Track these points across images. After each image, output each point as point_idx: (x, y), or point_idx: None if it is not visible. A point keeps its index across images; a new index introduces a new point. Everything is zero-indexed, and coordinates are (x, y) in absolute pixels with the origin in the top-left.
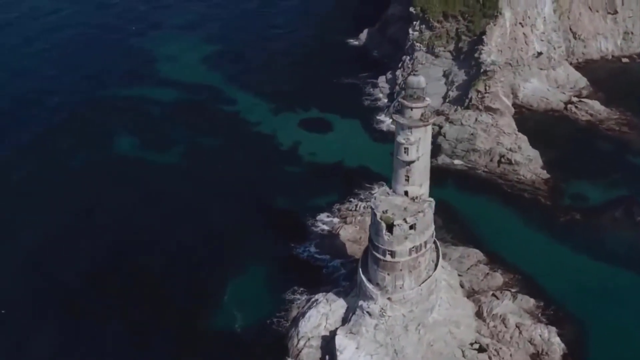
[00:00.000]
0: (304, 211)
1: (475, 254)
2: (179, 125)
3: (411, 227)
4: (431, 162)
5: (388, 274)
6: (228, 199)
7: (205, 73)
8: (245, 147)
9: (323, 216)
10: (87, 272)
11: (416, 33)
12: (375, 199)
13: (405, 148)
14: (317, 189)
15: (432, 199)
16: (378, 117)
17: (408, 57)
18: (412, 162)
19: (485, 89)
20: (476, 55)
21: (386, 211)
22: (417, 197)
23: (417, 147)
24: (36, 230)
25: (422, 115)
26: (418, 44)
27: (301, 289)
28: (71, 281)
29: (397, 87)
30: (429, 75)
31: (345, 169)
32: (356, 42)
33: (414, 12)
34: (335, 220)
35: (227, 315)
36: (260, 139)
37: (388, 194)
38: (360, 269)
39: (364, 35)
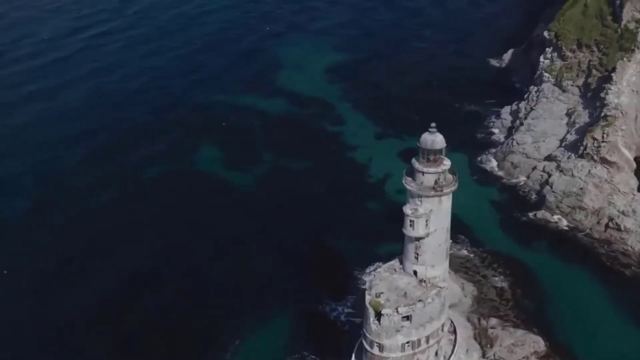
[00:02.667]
0: (357, 259)
1: (534, 343)
2: (273, 142)
3: (406, 318)
4: (528, 216)
5: None
6: (284, 230)
7: (322, 86)
8: (331, 174)
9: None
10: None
11: (547, 61)
12: (373, 276)
13: (410, 221)
14: (384, 233)
15: (445, 285)
16: (485, 155)
17: (535, 88)
18: (421, 238)
19: (603, 136)
20: (602, 94)
21: (380, 294)
22: (427, 281)
23: (427, 221)
24: (86, 233)
25: (436, 182)
26: (547, 74)
27: (311, 356)
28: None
29: (518, 122)
30: (551, 111)
31: None
32: (498, 63)
33: (548, 37)
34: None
35: None
36: (351, 166)
37: (395, 270)
38: (354, 356)
39: (507, 55)
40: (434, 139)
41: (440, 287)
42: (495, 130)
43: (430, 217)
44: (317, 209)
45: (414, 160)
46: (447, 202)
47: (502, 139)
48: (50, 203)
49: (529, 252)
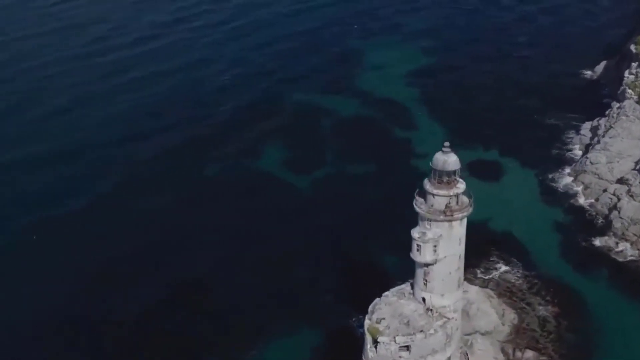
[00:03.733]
0: (400, 274)
1: None
2: (341, 144)
3: (406, 348)
4: (590, 241)
5: None
6: (332, 238)
7: (401, 89)
8: (391, 182)
9: None
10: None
11: (631, 77)
12: (379, 299)
13: (417, 245)
14: None
15: (454, 317)
16: (557, 173)
17: (617, 105)
18: (429, 264)
19: None
20: None
21: (381, 320)
22: (434, 310)
23: (436, 246)
24: (141, 231)
25: (447, 206)
26: (630, 91)
27: None
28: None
29: (595, 140)
30: (629, 131)
31: (482, 231)
32: (589, 75)
33: (634, 50)
34: None
35: None
36: (412, 175)
37: (404, 295)
38: None
39: (600, 67)
40: (446, 160)
41: (448, 318)
42: (573, 147)
43: (439, 243)
44: (370, 217)
45: (425, 181)
46: (459, 228)
47: (578, 157)
48: (113, 199)
49: (584, 281)
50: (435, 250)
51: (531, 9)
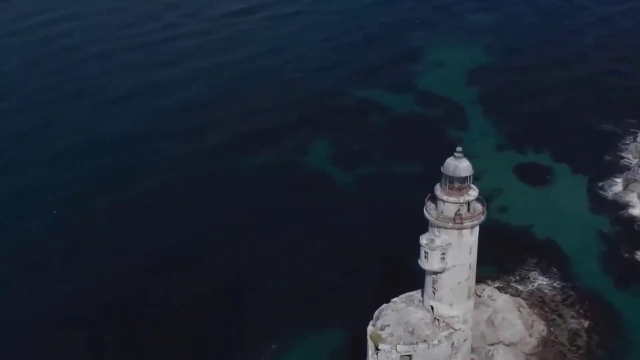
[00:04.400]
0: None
1: None
2: (390, 140)
3: (408, 358)
4: (635, 255)
5: None
6: (369, 238)
7: (458, 87)
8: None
9: None
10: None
11: None
12: (385, 305)
13: (425, 252)
14: None
15: (461, 328)
16: (608, 181)
17: None
18: (436, 272)
19: None
20: None
21: (385, 327)
22: (442, 319)
23: (444, 254)
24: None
25: (456, 213)
26: None
27: None
28: None
29: None
30: None
31: (522, 237)
32: None
33: None
34: None
35: None
36: None
37: (413, 302)
38: None
39: None
40: (457, 165)
41: (455, 329)
42: (627, 155)
43: (447, 251)
44: (410, 219)
45: (436, 186)
46: (469, 237)
47: (632, 165)
48: (163, 189)
49: (623, 296)
50: (443, 259)
51: (609, 10)
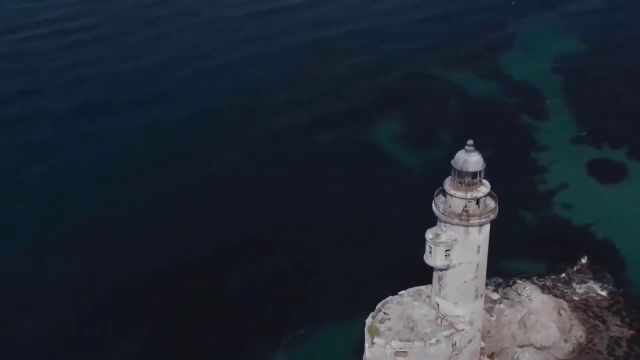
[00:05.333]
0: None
1: None
2: (463, 124)
3: (405, 354)
4: None
5: None
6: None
7: (543, 75)
8: (504, 171)
9: None
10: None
11: None
12: (390, 299)
13: (429, 247)
14: (527, 249)
15: (464, 328)
16: None
17: None
18: (441, 269)
19: None
20: None
21: (385, 320)
22: (445, 318)
23: (448, 251)
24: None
25: (463, 209)
26: None
27: None
28: None
29: None
30: None
31: (579, 236)
32: None
33: None
34: None
35: None
36: (529, 166)
37: (420, 296)
38: None
39: None
40: (467, 159)
41: (457, 330)
42: None
43: (452, 248)
44: None
45: (446, 179)
46: (476, 235)
47: None
48: (232, 166)
49: None
50: (447, 256)
51: None
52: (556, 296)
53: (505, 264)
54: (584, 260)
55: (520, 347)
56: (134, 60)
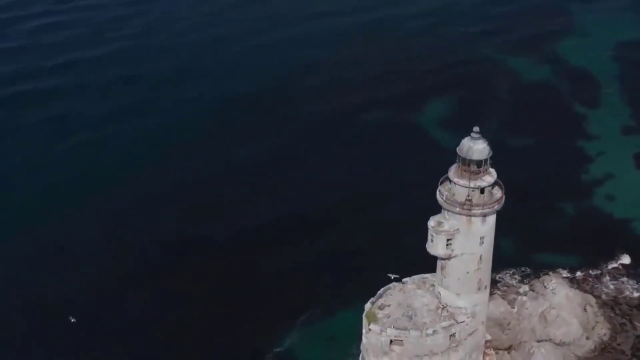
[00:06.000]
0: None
1: None
2: (509, 110)
3: (400, 342)
4: None
5: None
6: None
7: (601, 61)
8: (546, 160)
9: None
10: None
11: None
12: (392, 286)
13: (431, 235)
14: (562, 243)
15: (464, 320)
16: None
17: None
18: (443, 258)
19: None
20: None
21: (384, 307)
22: (446, 308)
23: (450, 240)
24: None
25: (466, 198)
26: None
27: None
28: None
29: None
30: None
31: (622, 231)
32: None
33: None
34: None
35: None
36: (573, 155)
37: (424, 284)
38: None
39: None
40: (471, 147)
41: (457, 321)
42: None
43: (454, 237)
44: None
45: (452, 167)
46: (479, 226)
47: None
48: (280, 146)
49: None
50: (449, 245)
51: None
52: (585, 291)
53: (537, 255)
54: (621, 258)
55: (539, 341)
56: (196, 32)
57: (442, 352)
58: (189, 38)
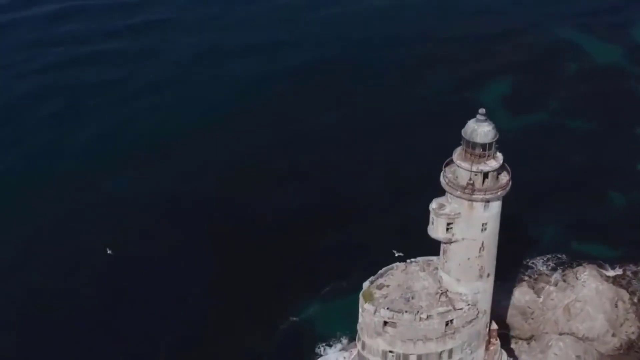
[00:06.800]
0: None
1: None
2: (574, 92)
3: (388, 324)
4: None
5: None
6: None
7: None
8: (605, 146)
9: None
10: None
11: None
12: (395, 266)
13: (432, 217)
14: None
15: (462, 307)
16: None
17: None
18: (443, 242)
19: None
20: None
21: (383, 287)
22: (446, 293)
23: (451, 224)
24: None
25: (468, 182)
26: None
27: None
28: None
29: None
30: None
31: None
32: None
33: None
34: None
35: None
36: (628, 140)
37: (429, 267)
38: None
39: None
40: (475, 129)
41: (454, 308)
42: None
43: (455, 222)
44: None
45: (457, 148)
46: (481, 211)
47: None
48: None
49: None
50: (449, 229)
51: None
52: (620, 286)
53: (577, 243)
54: None
55: (560, 334)
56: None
57: (437, 338)
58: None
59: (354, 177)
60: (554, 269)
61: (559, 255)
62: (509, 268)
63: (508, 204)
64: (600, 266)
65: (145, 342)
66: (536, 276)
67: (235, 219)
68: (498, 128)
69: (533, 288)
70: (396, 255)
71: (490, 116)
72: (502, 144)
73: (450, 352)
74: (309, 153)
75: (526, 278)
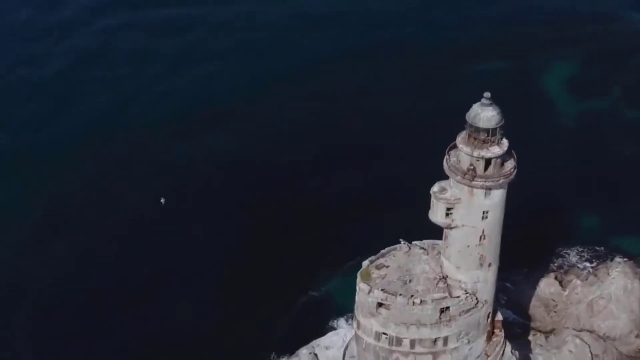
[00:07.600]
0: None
1: None
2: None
3: (382, 306)
4: None
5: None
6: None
7: None
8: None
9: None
10: None
11: None
12: (398, 247)
13: (432, 202)
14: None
15: (460, 296)
16: None
17: None
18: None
19: None
20: None
21: (382, 267)
22: (445, 279)
23: (450, 210)
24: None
25: (468, 167)
26: None
27: None
28: None
29: None
30: None
31: None
32: None
33: None
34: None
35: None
36: None
37: (433, 250)
38: None
39: None
40: (479, 113)
41: (451, 295)
42: None
43: (455, 207)
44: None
45: (462, 132)
46: (481, 199)
47: None
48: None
49: None
50: (449, 214)
51: None
52: None
53: (619, 238)
54: None
55: (580, 331)
56: None
57: (431, 325)
58: None
59: (392, 162)
60: (589, 261)
61: (597, 248)
62: (540, 257)
63: (550, 190)
64: (638, 264)
65: (167, 300)
66: (567, 268)
67: (275, 192)
68: (559, 112)
69: (561, 280)
70: (402, 243)
71: (552, 100)
72: (558, 128)
73: (446, 339)
74: (345, 138)
75: (556, 269)
